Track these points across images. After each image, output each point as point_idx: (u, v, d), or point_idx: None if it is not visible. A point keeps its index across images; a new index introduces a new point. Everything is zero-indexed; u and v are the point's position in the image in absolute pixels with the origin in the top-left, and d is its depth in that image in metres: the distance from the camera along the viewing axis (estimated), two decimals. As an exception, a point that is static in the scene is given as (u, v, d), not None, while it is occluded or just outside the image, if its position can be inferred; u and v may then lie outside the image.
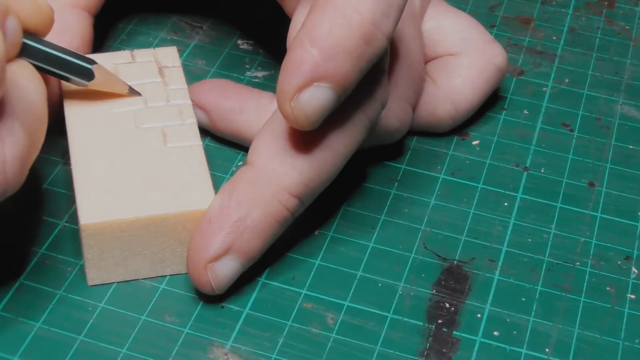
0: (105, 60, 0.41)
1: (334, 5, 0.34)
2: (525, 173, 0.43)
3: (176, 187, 0.37)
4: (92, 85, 0.39)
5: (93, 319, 0.36)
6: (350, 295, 0.38)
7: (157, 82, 0.41)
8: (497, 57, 0.44)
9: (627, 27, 0.53)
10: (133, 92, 0.40)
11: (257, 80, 0.47)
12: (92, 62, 0.39)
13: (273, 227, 0.36)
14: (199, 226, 0.36)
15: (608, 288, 0.39)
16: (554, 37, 0.51)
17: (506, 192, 0.42)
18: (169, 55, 0.42)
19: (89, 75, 0.38)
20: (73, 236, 0.39)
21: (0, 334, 0.35)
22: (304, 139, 0.36)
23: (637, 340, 0.37)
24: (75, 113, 0.39)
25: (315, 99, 0.34)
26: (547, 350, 0.36)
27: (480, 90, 0.44)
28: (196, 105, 0.42)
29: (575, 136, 0.45)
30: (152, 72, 0.41)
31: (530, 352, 0.36)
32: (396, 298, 0.38)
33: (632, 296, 0.39)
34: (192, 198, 0.36)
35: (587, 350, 0.37)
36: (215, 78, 0.44)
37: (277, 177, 0.36)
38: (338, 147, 0.36)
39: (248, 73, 0.47)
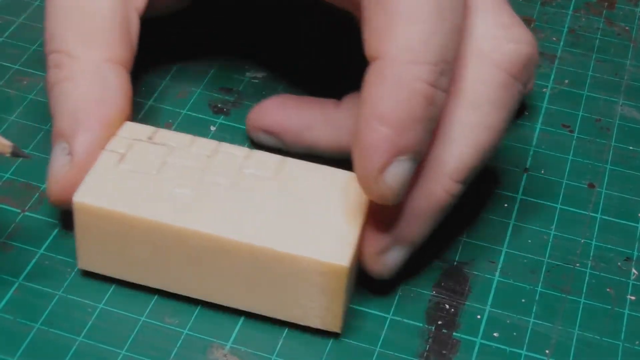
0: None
1: (393, 77, 0.33)
2: (525, 174, 0.43)
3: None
4: None
5: (92, 320, 0.36)
6: (349, 296, 0.38)
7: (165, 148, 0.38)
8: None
9: (627, 28, 0.52)
10: (18, 152, 0.35)
11: (256, 80, 0.46)
12: None
13: (438, 213, 0.36)
14: (370, 217, 0.36)
15: (608, 289, 0.39)
16: (554, 38, 0.51)
17: (506, 193, 0.42)
18: (132, 130, 0.38)
19: None
20: (71, 237, 0.39)
21: (-1, 335, 0.35)
22: (462, 123, 0.36)
23: (637, 342, 0.37)
24: (184, 216, 0.35)
25: (399, 174, 0.33)
26: (547, 351, 0.36)
27: None
28: (262, 130, 0.42)
29: (575, 137, 0.45)
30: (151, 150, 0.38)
31: (530, 354, 0.36)
32: (396, 299, 0.38)
33: (632, 297, 0.39)
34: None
35: (587, 352, 0.36)
36: (272, 97, 0.43)
37: (441, 167, 0.36)
38: (497, 124, 0.36)
39: (248, 74, 0.47)
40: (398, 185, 0.34)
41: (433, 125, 0.34)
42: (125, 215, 0.35)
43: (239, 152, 0.37)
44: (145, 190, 0.36)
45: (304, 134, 0.41)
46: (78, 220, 0.36)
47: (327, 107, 0.41)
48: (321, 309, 0.35)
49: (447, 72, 0.34)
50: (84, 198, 0.35)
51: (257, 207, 0.36)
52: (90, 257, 0.37)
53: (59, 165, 0.37)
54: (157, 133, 0.38)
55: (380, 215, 0.36)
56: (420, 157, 0.34)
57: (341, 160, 0.39)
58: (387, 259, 0.36)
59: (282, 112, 0.41)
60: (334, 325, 0.36)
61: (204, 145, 0.38)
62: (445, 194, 0.36)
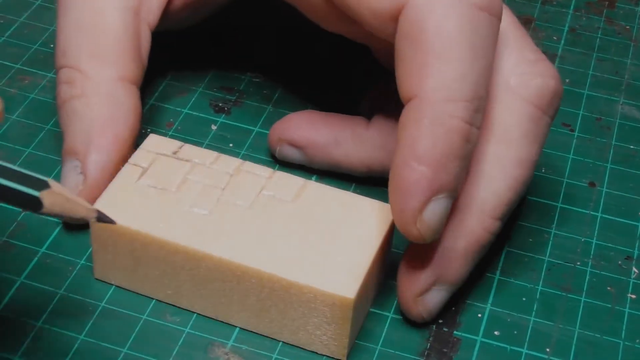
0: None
1: (428, 117, 0.33)
2: (526, 173, 0.43)
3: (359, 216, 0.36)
4: (45, 212, 0.31)
5: (94, 318, 0.36)
6: (350, 295, 0.38)
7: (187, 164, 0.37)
8: None
9: (627, 27, 0.53)
10: (105, 219, 0.32)
11: (257, 80, 0.46)
12: (44, 185, 0.30)
13: (478, 252, 0.36)
14: (406, 259, 0.36)
15: (609, 288, 0.39)
16: (555, 37, 0.51)
17: (507, 192, 0.42)
18: (157, 143, 0.38)
19: (35, 205, 0.30)
20: (73, 235, 0.39)
21: (0, 334, 0.35)
22: (495, 158, 0.36)
23: (637, 340, 0.37)
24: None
25: (437, 213, 0.34)
26: (547, 350, 0.36)
27: None
28: (288, 143, 0.41)
29: (575, 136, 0.45)
30: (171, 164, 0.37)
31: (530, 352, 0.36)
32: (396, 298, 0.38)
33: (633, 296, 0.39)
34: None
35: (587, 350, 0.37)
36: (298, 111, 0.42)
37: (478, 205, 0.36)
38: (530, 157, 0.37)
39: (249, 73, 0.47)
40: (437, 224, 0.34)
41: (468, 161, 0.34)
42: (139, 233, 0.35)
43: (262, 172, 0.37)
44: (162, 208, 0.36)
45: (331, 149, 0.41)
46: (94, 233, 0.36)
47: (356, 125, 0.41)
48: (327, 338, 0.35)
49: (481, 109, 0.34)
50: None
51: (271, 232, 0.35)
52: (105, 269, 0.37)
53: (72, 184, 0.38)
54: (182, 148, 0.38)
55: (418, 257, 0.35)
56: (457, 194, 0.34)
57: (364, 178, 0.40)
58: (428, 300, 0.36)
59: (309, 125, 0.41)
60: (340, 354, 0.35)
61: (227, 163, 0.38)
62: (485, 232, 0.36)
